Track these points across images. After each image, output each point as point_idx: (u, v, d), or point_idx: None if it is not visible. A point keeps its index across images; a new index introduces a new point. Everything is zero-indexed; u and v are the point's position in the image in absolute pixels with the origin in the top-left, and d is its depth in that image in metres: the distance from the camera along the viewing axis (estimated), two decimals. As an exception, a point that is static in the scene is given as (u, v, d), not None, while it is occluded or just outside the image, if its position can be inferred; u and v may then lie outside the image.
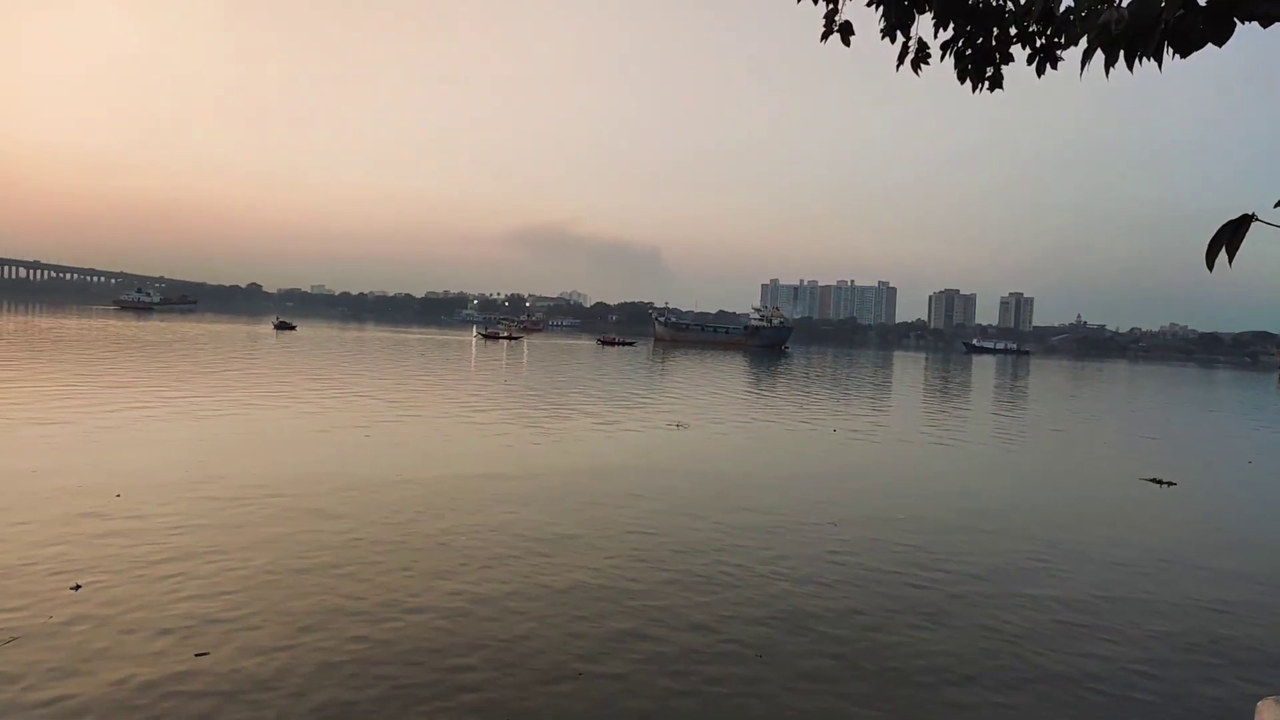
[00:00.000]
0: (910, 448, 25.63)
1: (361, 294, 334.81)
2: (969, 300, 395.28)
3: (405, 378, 41.66)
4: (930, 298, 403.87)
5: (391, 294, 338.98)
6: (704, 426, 27.69)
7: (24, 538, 11.04)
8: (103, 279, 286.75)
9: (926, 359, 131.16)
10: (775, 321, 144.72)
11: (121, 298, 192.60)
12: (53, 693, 6.90)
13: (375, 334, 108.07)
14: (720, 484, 17.80)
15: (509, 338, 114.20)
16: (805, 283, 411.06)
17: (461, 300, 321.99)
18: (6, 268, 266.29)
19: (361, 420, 24.54)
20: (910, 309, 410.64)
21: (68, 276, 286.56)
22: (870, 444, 25.73)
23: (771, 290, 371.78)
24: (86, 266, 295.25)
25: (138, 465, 16.25)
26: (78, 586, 9.38)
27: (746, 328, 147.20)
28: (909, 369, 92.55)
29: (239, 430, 21.48)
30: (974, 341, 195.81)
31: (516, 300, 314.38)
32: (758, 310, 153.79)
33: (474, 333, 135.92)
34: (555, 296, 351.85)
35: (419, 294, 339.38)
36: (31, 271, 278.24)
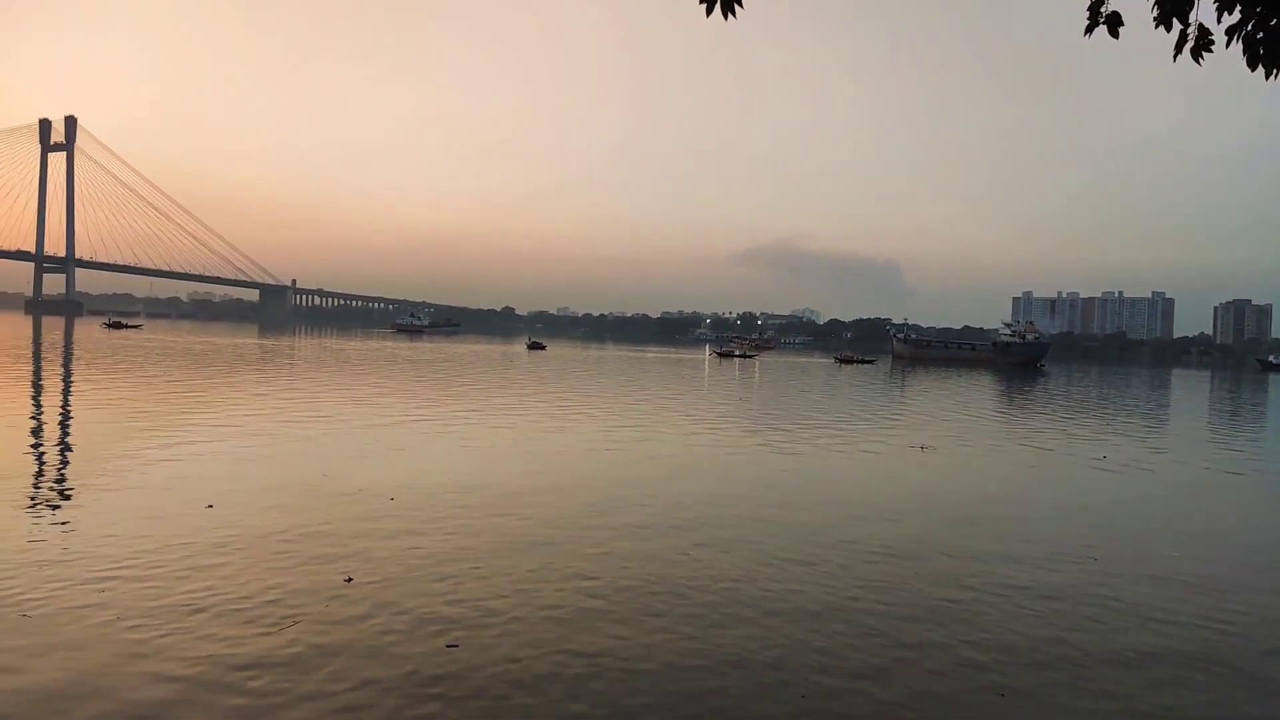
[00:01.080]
0: (1194, 477, 22.50)
1: (602, 315, 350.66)
2: (1263, 311, 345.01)
3: (643, 393, 42.87)
4: (1216, 309, 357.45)
5: (629, 314, 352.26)
6: (951, 449, 25.99)
7: (310, 534, 12.36)
8: (381, 305, 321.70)
9: (1213, 378, 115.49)
10: (1029, 337, 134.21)
11: (397, 322, 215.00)
12: (322, 671, 7.57)
13: (615, 353, 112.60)
14: (970, 510, 16.52)
15: (742, 356, 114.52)
16: (1063, 294, 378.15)
17: (695, 319, 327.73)
18: (303, 296, 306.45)
19: (607, 435, 25.43)
20: (1191, 322, 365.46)
21: (353, 304, 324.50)
22: (1144, 475, 22.89)
23: (1024, 303, 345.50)
24: (368, 294, 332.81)
25: (411, 472, 17.81)
26: (350, 579, 10.32)
27: (995, 343, 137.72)
28: (1192, 389, 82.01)
29: (500, 441, 23.00)
30: (1270, 358, 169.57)
31: (748, 318, 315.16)
32: (1008, 325, 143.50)
33: (707, 351, 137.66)
34: (787, 314, 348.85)
35: (655, 314, 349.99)
36: (325, 299, 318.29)
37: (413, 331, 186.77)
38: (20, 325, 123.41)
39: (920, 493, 18.33)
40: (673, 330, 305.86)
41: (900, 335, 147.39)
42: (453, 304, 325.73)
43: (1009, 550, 13.30)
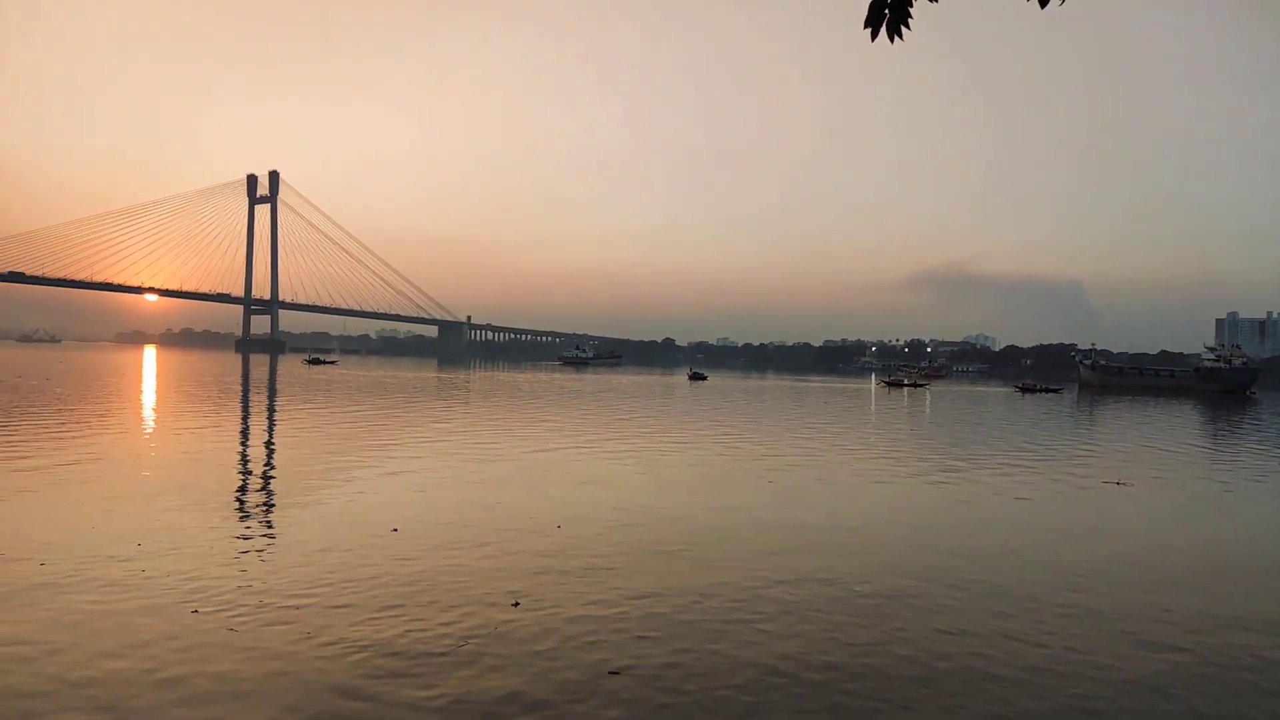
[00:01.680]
0: None
1: (763, 344, 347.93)
2: None
3: (806, 423, 42.04)
4: None
5: (790, 343, 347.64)
6: (1150, 485, 23.82)
7: (482, 559, 12.87)
8: (549, 338, 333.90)
9: None
10: (1236, 362, 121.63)
11: (563, 354, 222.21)
12: (492, 694, 7.80)
13: (776, 383, 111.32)
14: (1191, 555, 15.03)
15: (912, 385, 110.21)
16: (1275, 315, 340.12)
17: (859, 347, 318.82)
18: (477, 331, 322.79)
19: (769, 464, 25.09)
20: None
21: (523, 338, 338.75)
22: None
23: (1229, 324, 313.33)
24: (537, 328, 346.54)
25: (578, 501, 18.25)
26: (517, 603, 10.65)
27: (1197, 370, 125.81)
28: None
29: (665, 471, 23.18)
30: None
31: (916, 345, 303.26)
32: (1212, 349, 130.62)
33: (873, 380, 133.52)
34: (959, 340, 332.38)
35: (816, 342, 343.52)
36: (497, 334, 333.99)
37: (578, 364, 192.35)
38: (232, 362, 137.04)
39: (1124, 533, 16.85)
40: (835, 359, 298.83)
41: (1087, 361, 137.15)
42: (615, 336, 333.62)
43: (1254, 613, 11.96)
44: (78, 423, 32.85)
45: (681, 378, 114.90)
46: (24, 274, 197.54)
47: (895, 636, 9.88)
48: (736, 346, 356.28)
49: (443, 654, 8.84)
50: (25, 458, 22.38)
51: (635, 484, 21.03)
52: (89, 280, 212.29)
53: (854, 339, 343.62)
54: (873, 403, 68.46)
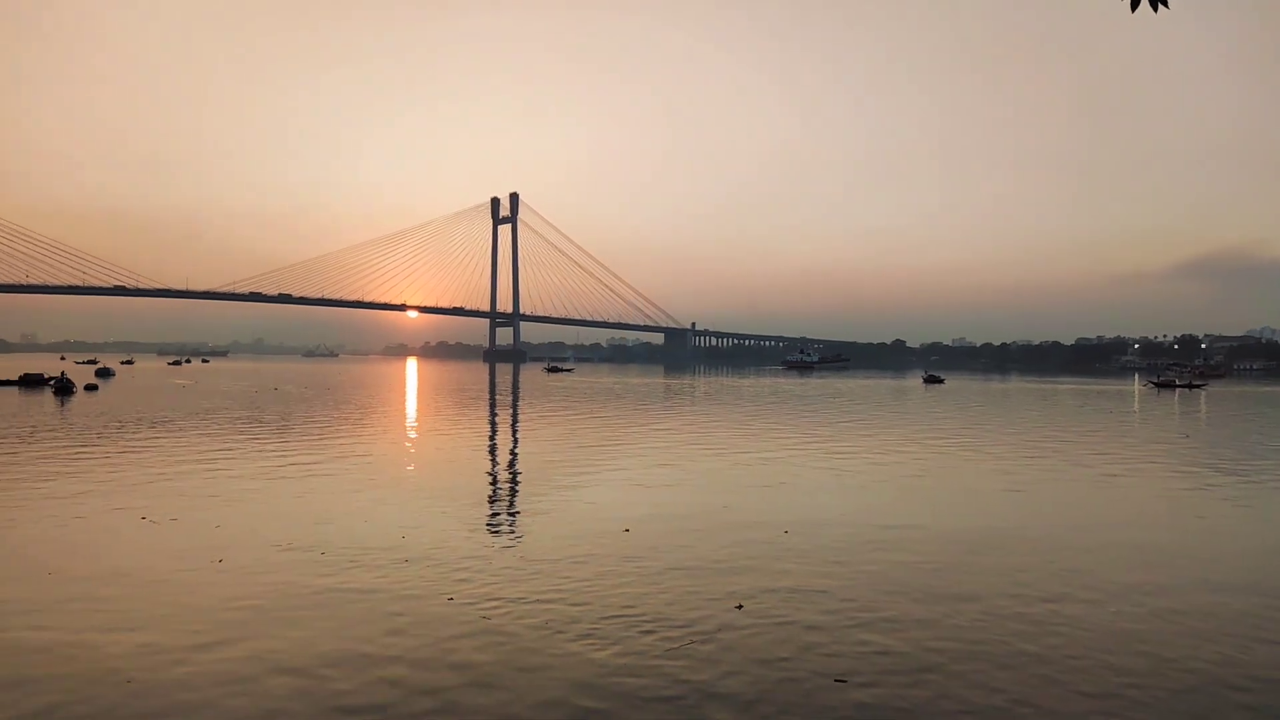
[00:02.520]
0: None
1: (1004, 344, 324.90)
2: None
3: (1054, 430, 38.64)
4: None
5: (1036, 342, 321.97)
6: None
7: (709, 561, 12.95)
8: (772, 343, 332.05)
9: None
10: None
11: (788, 359, 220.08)
12: (713, 697, 7.79)
13: (1021, 385, 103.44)
14: None
15: (1186, 385, 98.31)
16: None
17: (1118, 345, 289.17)
18: (702, 338, 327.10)
19: (1011, 475, 23.37)
20: None
21: (747, 343, 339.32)
22: None
23: None
24: (761, 333, 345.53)
25: (805, 506, 17.95)
26: (740, 606, 10.61)
27: None
28: None
29: (896, 478, 22.28)
30: None
31: (1188, 342, 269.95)
32: None
33: (1136, 381, 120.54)
34: (1239, 335, 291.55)
35: (1067, 341, 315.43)
36: (721, 340, 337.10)
37: (802, 368, 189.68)
38: (480, 371, 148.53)
39: None
40: (1090, 358, 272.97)
41: None
42: (841, 339, 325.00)
43: None
44: (350, 426, 36.99)
45: (913, 381, 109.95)
46: (291, 295, 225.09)
47: (1168, 666, 8.80)
48: (974, 347, 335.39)
49: (667, 654, 8.99)
50: (306, 456, 25.47)
51: (866, 491, 20.35)
52: (360, 300, 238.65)
53: (1111, 336, 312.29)
54: (1138, 406, 61.70)
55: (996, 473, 23.74)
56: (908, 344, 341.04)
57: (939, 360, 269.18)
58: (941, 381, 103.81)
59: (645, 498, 18.99)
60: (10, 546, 13.50)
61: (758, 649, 9.17)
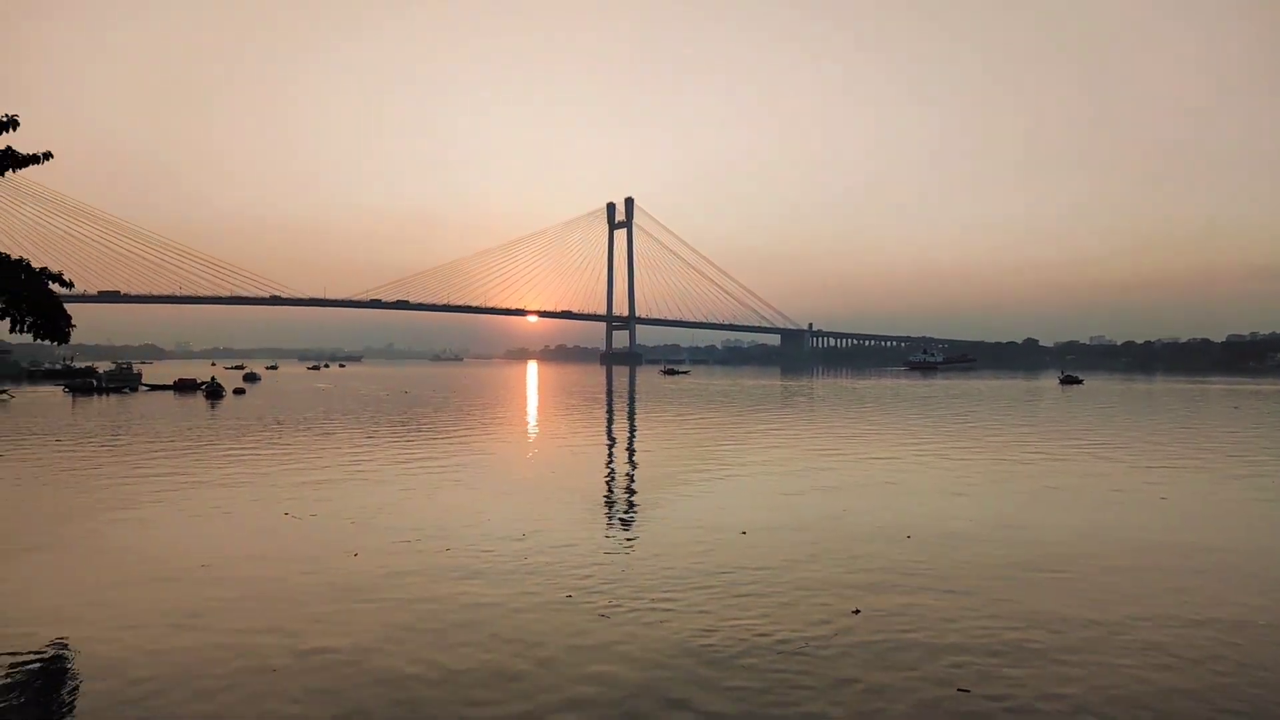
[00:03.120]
0: None
1: (1147, 342, 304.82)
2: None
3: (1212, 431, 35.96)
4: None
5: (1184, 340, 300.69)
6: None
7: (826, 565, 12.78)
8: (894, 343, 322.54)
9: None
10: None
11: (910, 359, 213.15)
12: (825, 699, 7.68)
13: (1166, 385, 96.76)
14: None
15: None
16: None
17: (1274, 342, 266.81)
18: (820, 338, 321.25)
19: (1154, 482, 21.96)
20: None
21: (866, 343, 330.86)
22: None
23: None
24: (881, 333, 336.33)
25: (928, 511, 17.43)
26: (857, 611, 10.44)
27: None
28: None
29: (1030, 484, 21.34)
30: None
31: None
32: None
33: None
34: None
35: (1218, 338, 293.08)
36: (840, 340, 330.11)
37: (926, 368, 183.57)
38: (597, 373, 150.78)
39: None
40: (1244, 356, 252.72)
41: None
42: (966, 339, 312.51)
43: None
44: (475, 427, 38.31)
45: (1047, 382, 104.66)
46: (408, 302, 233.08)
47: (1337, 690, 8.11)
48: (1114, 345, 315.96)
49: (781, 656, 8.94)
50: (434, 456, 26.54)
51: (994, 496, 19.57)
52: (482, 306, 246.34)
53: (1267, 333, 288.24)
54: (1299, 408, 56.69)
55: (1138, 480, 22.35)
56: (1041, 343, 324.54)
57: (1075, 360, 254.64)
58: (1079, 382, 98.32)
59: (762, 501, 18.88)
60: (165, 541, 14.68)
61: (875, 654, 9.01)
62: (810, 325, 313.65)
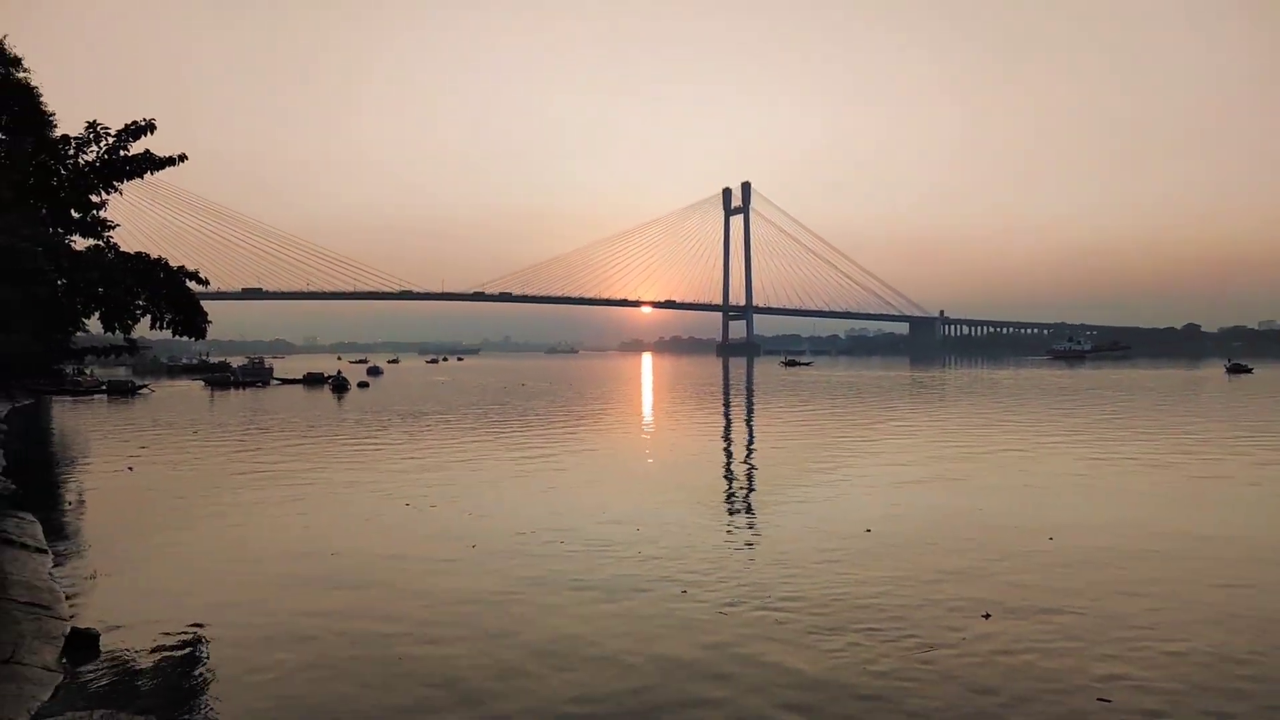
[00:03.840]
0: None
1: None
2: None
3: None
4: None
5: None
6: None
7: (957, 566, 12.34)
8: (1035, 330, 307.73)
9: None
10: None
11: (1054, 348, 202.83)
12: (952, 701, 7.40)
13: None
14: None
15: None
16: None
17: None
18: (951, 326, 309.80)
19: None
20: None
21: (1004, 331, 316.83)
22: None
23: None
24: (1020, 320, 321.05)
25: (1078, 511, 16.60)
26: (988, 615, 10.05)
27: None
28: None
29: (1194, 485, 20.03)
30: None
31: None
32: None
33: None
34: None
35: None
36: (973, 328, 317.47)
37: (1071, 357, 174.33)
38: (713, 365, 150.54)
39: None
40: None
41: None
42: (1118, 324, 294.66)
43: None
44: (590, 420, 38.94)
45: (1210, 371, 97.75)
46: (511, 294, 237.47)
47: None
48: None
49: (909, 662, 8.68)
50: (550, 448, 27.12)
51: (1153, 498, 18.41)
52: (595, 298, 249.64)
53: None
54: None
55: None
56: (1203, 328, 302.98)
57: (1242, 346, 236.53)
58: (1249, 370, 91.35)
59: (888, 497, 18.41)
60: (297, 528, 15.56)
61: (1007, 662, 8.65)
62: (941, 312, 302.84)
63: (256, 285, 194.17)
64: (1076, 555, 13.00)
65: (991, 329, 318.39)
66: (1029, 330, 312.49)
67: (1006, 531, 14.70)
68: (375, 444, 29.05)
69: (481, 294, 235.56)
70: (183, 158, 14.89)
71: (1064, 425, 34.91)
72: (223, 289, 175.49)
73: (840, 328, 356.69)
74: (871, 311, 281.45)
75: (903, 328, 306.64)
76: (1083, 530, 14.76)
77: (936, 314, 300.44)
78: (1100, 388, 66.04)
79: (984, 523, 15.49)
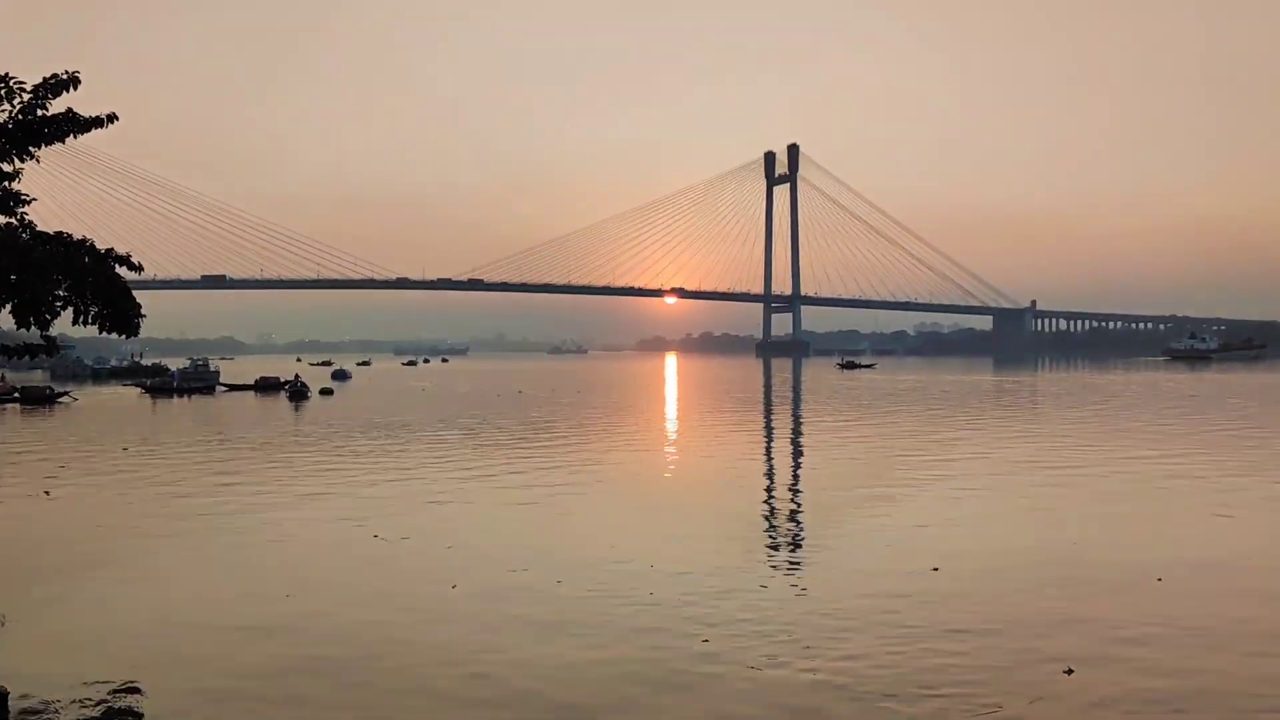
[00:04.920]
0: None
1: None
2: None
3: None
4: None
5: None
6: None
7: (1038, 609, 12.27)
8: (1148, 325, 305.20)
9: None
10: None
11: (1173, 345, 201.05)
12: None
13: None
14: None
15: None
16: None
17: None
18: (1045, 320, 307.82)
19: None
20: None
21: (1109, 325, 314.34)
22: None
23: None
24: (1129, 313, 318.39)
25: (1188, 547, 16.61)
26: (1070, 671, 10.07)
27: None
28: None
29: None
30: None
31: None
32: None
33: None
34: None
35: None
36: (1072, 323, 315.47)
37: (1194, 358, 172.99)
38: (752, 368, 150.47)
39: None
40: None
41: None
42: (1254, 319, 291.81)
43: None
44: (599, 435, 39.06)
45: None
46: (508, 283, 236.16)
47: None
48: None
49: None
50: (550, 470, 27.27)
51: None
52: (608, 286, 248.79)
53: None
54: None
55: None
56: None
57: None
58: None
59: (962, 529, 18.41)
60: (245, 566, 15.72)
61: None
62: (1033, 303, 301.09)
63: (220, 273, 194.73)
64: (1192, 601, 12.96)
65: (1094, 323, 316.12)
66: (1140, 325, 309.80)
67: (1102, 569, 14.64)
68: (339, 464, 29.29)
69: (472, 282, 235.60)
70: (112, 118, 15.09)
71: (1184, 442, 34.63)
72: (164, 276, 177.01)
73: (908, 322, 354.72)
74: (946, 303, 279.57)
75: (985, 322, 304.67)
76: (1202, 569, 14.71)
77: (1026, 305, 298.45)
78: (1231, 394, 65.41)
79: (1076, 558, 15.47)
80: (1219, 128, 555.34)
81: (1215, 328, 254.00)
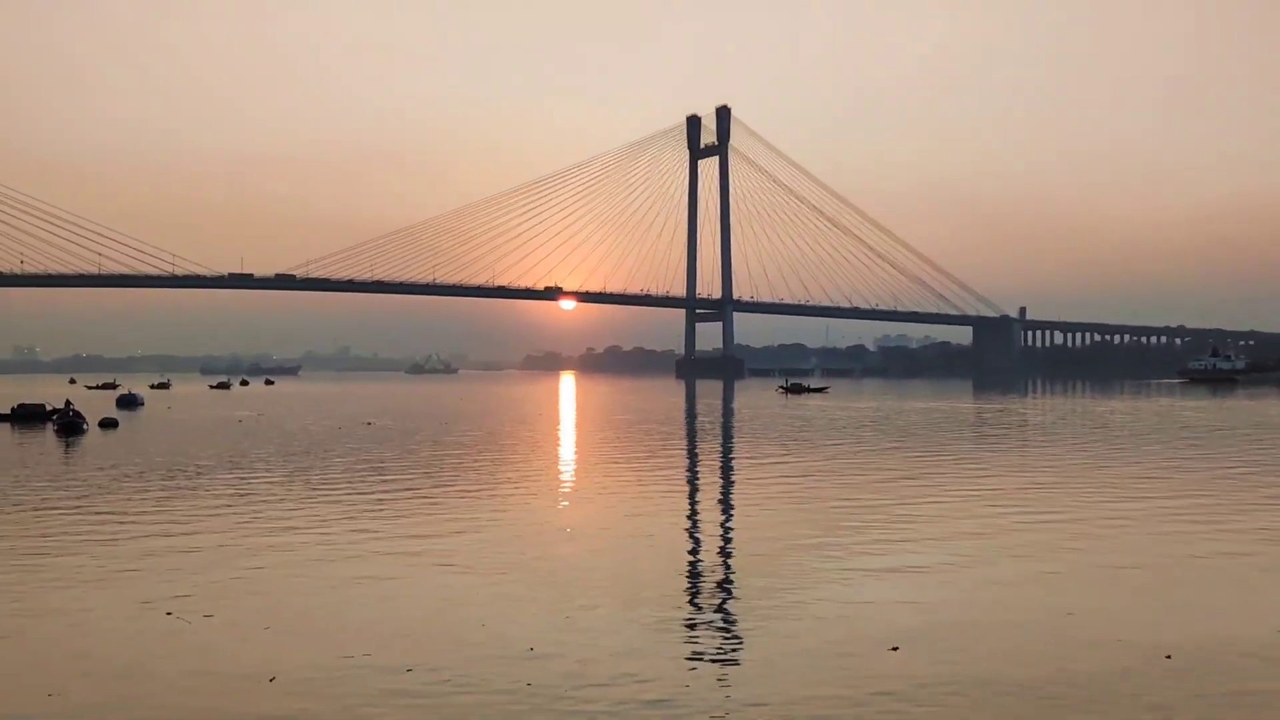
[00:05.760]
0: None
1: None
2: None
3: None
4: None
5: None
6: None
7: (1027, 703, 12.52)
8: (1160, 339, 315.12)
9: None
10: None
11: (1191, 365, 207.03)
12: None
13: None
14: None
15: None
16: None
17: None
18: (1036, 332, 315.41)
19: None
20: None
21: (1113, 339, 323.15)
22: None
23: None
24: (1135, 323, 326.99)
25: (1202, 617, 17.15)
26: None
27: None
28: None
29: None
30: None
31: None
32: None
33: None
34: None
35: None
36: (1068, 335, 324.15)
37: (1214, 380, 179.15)
38: (671, 392, 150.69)
39: None
40: None
41: None
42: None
43: None
44: (470, 480, 38.71)
45: None
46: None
47: None
48: None
49: None
50: (405, 527, 27.08)
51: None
52: (485, 286, 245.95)
53: None
54: None
55: None
56: None
57: None
58: None
59: (928, 596, 18.74)
60: (11, 654, 15.15)
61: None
62: (1022, 311, 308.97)
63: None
64: (1206, 681, 13.33)
65: (1096, 336, 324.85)
66: (1151, 339, 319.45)
67: (1102, 647, 14.99)
68: (121, 519, 28.57)
69: (301, 279, 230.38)
70: None
71: (1198, 487, 35.73)
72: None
73: (868, 333, 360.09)
74: (915, 310, 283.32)
75: (963, 334, 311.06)
76: (1215, 645, 15.14)
77: (1015, 314, 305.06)
78: (1265, 428, 67.67)
79: (1069, 633, 15.82)
80: (1253, 95, 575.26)
81: (1244, 343, 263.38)
